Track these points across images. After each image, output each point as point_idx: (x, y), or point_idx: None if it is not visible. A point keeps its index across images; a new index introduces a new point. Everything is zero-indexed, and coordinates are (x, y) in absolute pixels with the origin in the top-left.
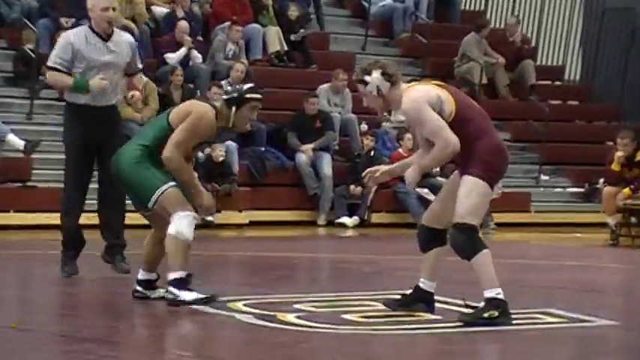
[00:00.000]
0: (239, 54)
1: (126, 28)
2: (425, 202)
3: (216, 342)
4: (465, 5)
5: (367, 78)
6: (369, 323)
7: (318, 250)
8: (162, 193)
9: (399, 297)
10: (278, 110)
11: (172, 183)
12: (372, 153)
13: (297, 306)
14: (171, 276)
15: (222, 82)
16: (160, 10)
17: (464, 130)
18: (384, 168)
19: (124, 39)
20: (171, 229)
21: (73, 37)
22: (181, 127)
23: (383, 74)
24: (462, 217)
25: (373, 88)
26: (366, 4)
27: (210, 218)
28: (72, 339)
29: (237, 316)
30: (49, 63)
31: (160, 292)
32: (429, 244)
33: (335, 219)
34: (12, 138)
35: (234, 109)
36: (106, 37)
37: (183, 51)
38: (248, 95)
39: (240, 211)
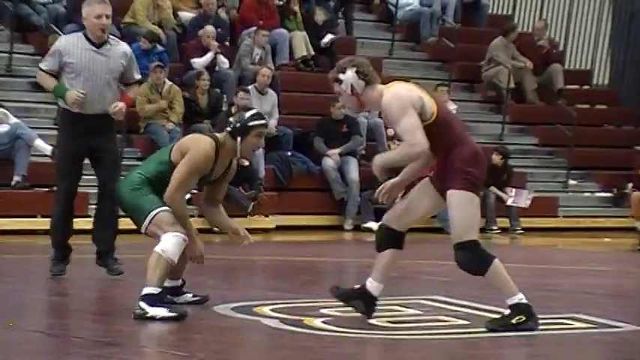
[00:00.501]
0: (265, 59)
1: (152, 33)
2: None
3: (242, 347)
4: (492, 9)
5: (341, 76)
6: (395, 328)
7: (344, 255)
8: (153, 216)
9: (350, 289)
10: (304, 115)
11: (164, 207)
12: None
13: (323, 311)
14: (145, 290)
15: (249, 87)
16: (187, 15)
17: (444, 134)
18: (393, 181)
19: (118, 48)
20: (157, 247)
21: (64, 42)
22: (181, 166)
23: (357, 73)
24: (460, 236)
25: (347, 87)
26: (393, 9)
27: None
28: (97, 344)
29: (264, 320)
30: (40, 64)
31: (187, 297)
32: (384, 244)
33: (361, 224)
34: (39, 143)
35: (239, 139)
36: (99, 45)
37: (209, 56)
38: (252, 123)
39: (266, 215)
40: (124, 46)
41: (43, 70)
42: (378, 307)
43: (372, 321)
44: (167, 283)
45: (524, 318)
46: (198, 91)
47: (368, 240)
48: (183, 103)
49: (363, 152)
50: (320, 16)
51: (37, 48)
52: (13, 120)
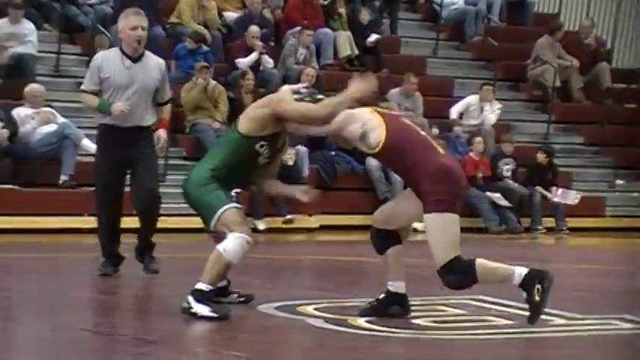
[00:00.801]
0: (310, 58)
1: (198, 34)
2: (497, 207)
3: (286, 346)
4: (538, 7)
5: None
6: (440, 328)
7: None
8: (221, 214)
9: (373, 303)
10: None
11: (232, 205)
12: None
13: None
14: (197, 285)
15: (299, 86)
16: (232, 15)
17: (398, 161)
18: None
19: (153, 61)
20: (220, 245)
21: (101, 59)
22: (291, 108)
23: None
24: (442, 259)
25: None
26: (437, 8)
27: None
28: (142, 342)
29: (308, 320)
30: (82, 86)
31: (233, 297)
32: (382, 245)
33: None
34: (86, 142)
35: None
36: (135, 58)
37: (254, 56)
38: (319, 96)
39: (310, 215)
40: (159, 60)
41: (86, 92)
42: (423, 307)
43: (417, 321)
44: None
45: (540, 287)
46: (242, 90)
47: (412, 239)
48: (228, 102)
49: None
50: (365, 15)
51: (84, 48)
52: (61, 120)
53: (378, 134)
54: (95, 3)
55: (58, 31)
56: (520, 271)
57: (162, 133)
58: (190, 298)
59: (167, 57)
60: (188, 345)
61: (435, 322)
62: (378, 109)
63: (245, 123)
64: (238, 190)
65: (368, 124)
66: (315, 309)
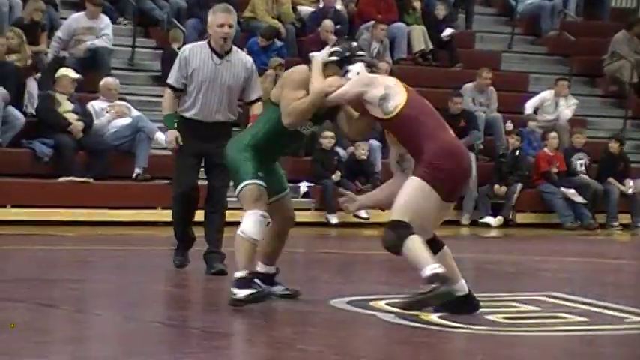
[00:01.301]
0: (383, 53)
1: (272, 28)
2: (572, 203)
3: (358, 340)
4: (615, 2)
5: (350, 67)
6: (513, 324)
7: (461, 250)
8: (241, 188)
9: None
10: None
11: (254, 180)
12: (517, 153)
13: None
14: (235, 275)
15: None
16: (306, 9)
17: (409, 130)
18: (359, 199)
19: (240, 58)
20: (239, 229)
21: (188, 52)
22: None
23: (368, 66)
24: (393, 215)
25: (354, 76)
26: (513, 2)
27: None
28: (214, 335)
29: (379, 314)
30: (168, 80)
31: (278, 288)
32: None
33: (479, 219)
34: (160, 136)
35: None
36: (222, 55)
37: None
38: (359, 53)
39: (382, 209)
40: (247, 58)
41: (171, 87)
42: (496, 303)
43: (489, 317)
44: (260, 269)
45: (435, 285)
46: None
47: (485, 235)
48: None
49: (481, 147)
50: (440, 10)
51: (158, 42)
52: (135, 113)
53: (398, 100)
54: None
55: (132, 24)
56: (434, 266)
57: None
58: (233, 289)
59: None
60: (259, 338)
61: (507, 318)
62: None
63: (276, 92)
64: (310, 184)
65: (392, 89)
66: (388, 304)
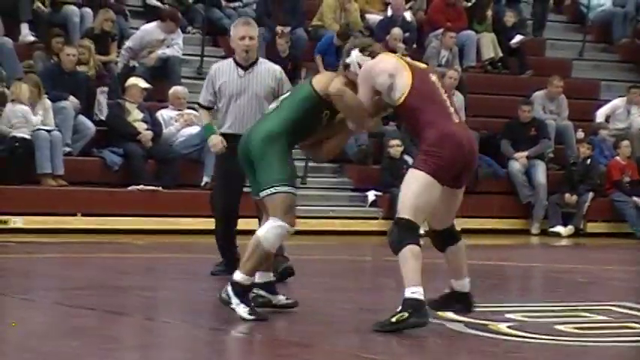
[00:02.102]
0: (452, 61)
1: (348, 27)
2: None
3: (425, 349)
4: None
5: (348, 60)
6: (582, 334)
7: (530, 259)
8: (274, 193)
9: (435, 298)
10: (491, 117)
11: (288, 188)
12: (589, 161)
13: (508, 315)
14: (236, 276)
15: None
16: (374, 17)
17: (413, 117)
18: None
19: (266, 68)
20: (260, 231)
21: (214, 69)
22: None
23: (362, 50)
24: (399, 212)
25: (355, 67)
26: (584, 10)
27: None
28: (283, 343)
29: (447, 324)
30: (199, 99)
31: (281, 298)
32: (442, 244)
33: (549, 228)
34: None
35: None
36: (247, 67)
37: None
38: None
39: None
40: (274, 67)
41: (201, 105)
42: (566, 313)
43: (559, 327)
44: (259, 279)
45: (406, 315)
46: None
47: (555, 244)
48: None
49: (551, 155)
50: (510, 17)
51: (226, 51)
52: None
53: (401, 87)
54: (238, 6)
55: (201, 33)
56: (414, 291)
57: None
58: (230, 291)
59: (310, 59)
60: (326, 347)
61: (577, 328)
62: (404, 59)
63: (321, 84)
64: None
65: (395, 77)
66: (456, 313)
